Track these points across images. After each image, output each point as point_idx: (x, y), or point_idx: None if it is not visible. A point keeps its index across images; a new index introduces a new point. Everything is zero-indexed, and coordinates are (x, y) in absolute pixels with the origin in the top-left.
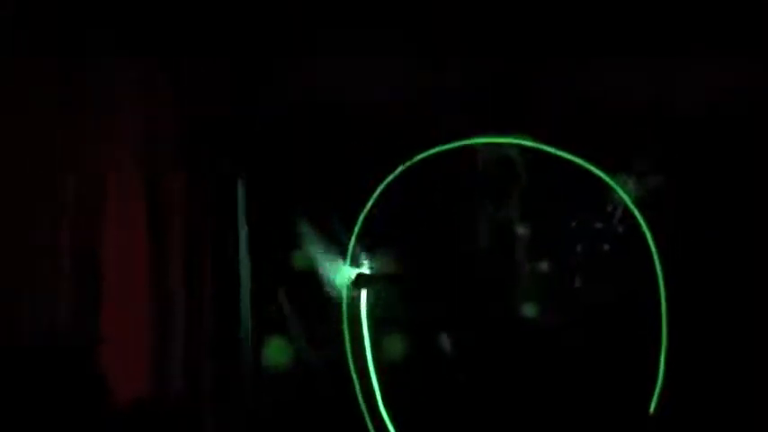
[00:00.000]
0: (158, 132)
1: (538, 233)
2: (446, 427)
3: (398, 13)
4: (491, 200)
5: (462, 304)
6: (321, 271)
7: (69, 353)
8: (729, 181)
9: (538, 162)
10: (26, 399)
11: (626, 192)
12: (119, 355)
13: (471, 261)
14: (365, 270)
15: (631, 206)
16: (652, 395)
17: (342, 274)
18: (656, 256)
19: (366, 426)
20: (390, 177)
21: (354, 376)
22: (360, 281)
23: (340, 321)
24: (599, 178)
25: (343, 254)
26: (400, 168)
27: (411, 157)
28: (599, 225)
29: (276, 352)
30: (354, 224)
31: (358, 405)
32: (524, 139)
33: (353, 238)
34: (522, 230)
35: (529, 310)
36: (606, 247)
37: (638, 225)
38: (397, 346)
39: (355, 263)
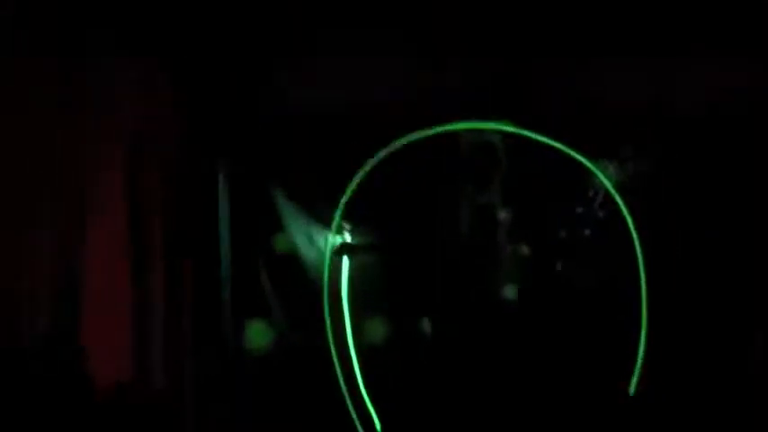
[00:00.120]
0: (139, 129)
1: (519, 217)
2: (427, 408)
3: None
4: (473, 184)
5: (444, 287)
6: (303, 248)
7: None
8: (709, 167)
9: (519, 147)
10: (11, 395)
11: (607, 177)
12: (101, 344)
13: (453, 245)
14: (348, 239)
15: (612, 191)
16: (632, 377)
17: (324, 243)
18: (636, 241)
19: (347, 407)
20: (372, 163)
21: (335, 359)
22: (342, 249)
23: (321, 304)
24: (580, 164)
25: (325, 234)
26: (382, 154)
27: (394, 143)
28: (580, 210)
29: (257, 335)
30: (336, 209)
31: (339, 387)
32: (506, 125)
33: (336, 220)
34: (503, 215)
35: (510, 293)
36: (587, 231)
37: (619, 210)
38: (378, 328)
39: (338, 234)
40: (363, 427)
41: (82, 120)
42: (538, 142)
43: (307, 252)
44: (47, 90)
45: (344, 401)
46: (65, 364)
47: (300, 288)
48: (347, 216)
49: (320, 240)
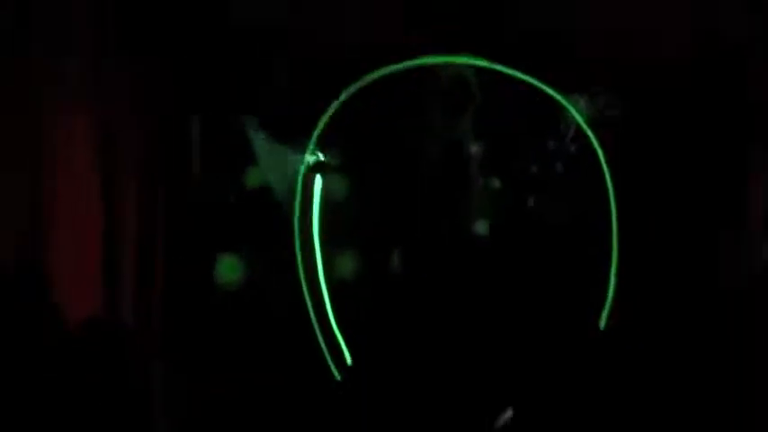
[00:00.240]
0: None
1: (491, 152)
2: (397, 342)
3: None
4: (445, 118)
5: (414, 221)
6: (275, 183)
7: (17, 277)
8: (681, 102)
9: (492, 82)
10: None
11: (578, 111)
12: (69, 279)
13: (424, 179)
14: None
15: (584, 126)
16: (602, 312)
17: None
18: (607, 176)
19: (318, 342)
20: (344, 96)
21: (306, 293)
22: (316, 167)
23: (292, 239)
24: (552, 98)
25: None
26: (353, 88)
27: (365, 77)
28: (552, 144)
29: (228, 270)
30: (309, 143)
31: (310, 322)
32: (478, 59)
33: (311, 148)
34: (475, 149)
35: (481, 227)
36: (559, 166)
37: (591, 144)
38: (348, 262)
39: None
40: (334, 362)
41: None
42: (510, 77)
43: (278, 186)
44: None
45: (315, 336)
46: (31, 297)
47: (271, 223)
48: (320, 149)
49: (292, 175)
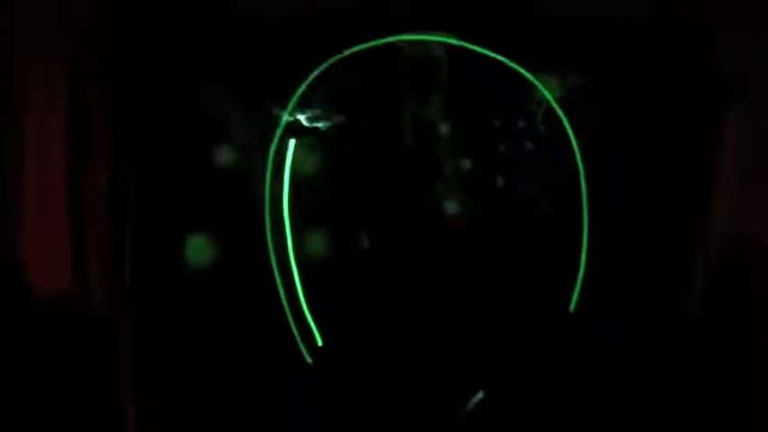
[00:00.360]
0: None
1: (461, 131)
2: (367, 323)
3: None
4: (415, 97)
5: (384, 201)
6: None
7: None
8: (652, 80)
9: (461, 60)
10: None
11: (549, 90)
12: (37, 256)
13: (394, 159)
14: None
15: (554, 104)
16: (572, 294)
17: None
18: (578, 155)
19: (289, 324)
20: (314, 74)
21: (276, 274)
22: (291, 128)
23: (262, 218)
24: (522, 77)
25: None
26: (324, 65)
27: (336, 55)
28: (522, 124)
29: (197, 250)
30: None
31: (280, 302)
32: (449, 38)
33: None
34: (444, 128)
35: (451, 207)
36: (529, 145)
37: (561, 124)
38: (318, 242)
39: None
40: (304, 343)
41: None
42: (481, 55)
43: (248, 165)
44: None
45: (285, 317)
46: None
47: (242, 202)
48: (289, 131)
49: (262, 152)
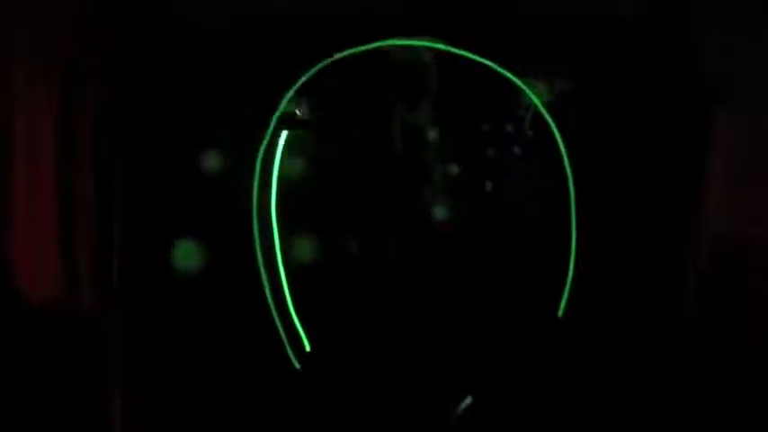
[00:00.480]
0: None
1: (449, 136)
2: (356, 328)
3: None
4: (403, 102)
5: (372, 206)
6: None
7: None
8: (639, 83)
9: (450, 65)
10: None
11: (536, 95)
12: (25, 258)
13: (382, 165)
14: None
15: (542, 109)
16: (561, 299)
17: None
18: (566, 160)
19: (277, 328)
20: (303, 79)
21: (264, 279)
22: (285, 119)
23: (251, 223)
24: (509, 81)
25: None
26: (312, 71)
27: (324, 60)
28: (510, 128)
29: (185, 255)
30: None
31: (268, 308)
32: (437, 42)
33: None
34: (433, 133)
35: (439, 212)
36: (517, 150)
37: (549, 128)
38: (307, 247)
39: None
40: (292, 348)
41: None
42: (468, 60)
43: (237, 171)
44: None
45: (274, 323)
46: None
47: (230, 208)
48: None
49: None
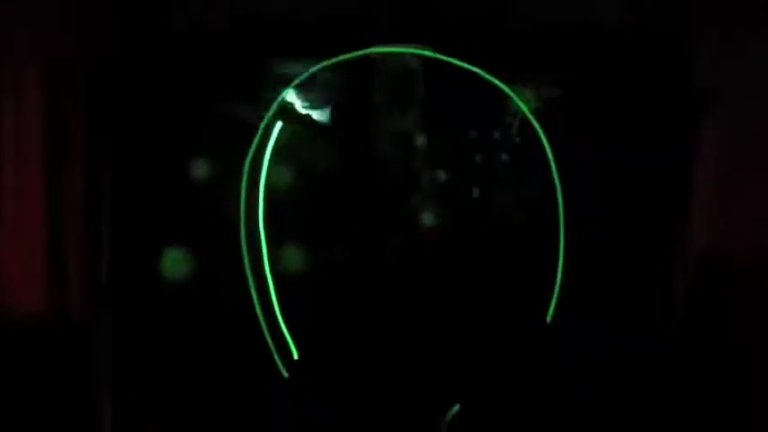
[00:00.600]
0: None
1: (437, 143)
2: (344, 337)
3: None
4: (391, 110)
5: (360, 214)
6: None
7: None
8: (627, 90)
9: (437, 72)
10: None
11: (524, 102)
12: (12, 259)
13: (370, 170)
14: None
15: (529, 116)
16: (549, 305)
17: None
18: (553, 167)
19: (264, 337)
20: (291, 86)
21: (252, 288)
22: (281, 111)
23: (238, 231)
24: (497, 88)
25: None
26: (301, 78)
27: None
28: (497, 135)
29: (174, 263)
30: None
31: (256, 316)
32: (424, 50)
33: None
34: (420, 140)
35: (427, 219)
36: (504, 157)
37: (537, 135)
38: (294, 255)
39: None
40: (280, 356)
41: None
42: (455, 67)
43: (225, 179)
44: None
45: (261, 330)
46: None
47: (218, 216)
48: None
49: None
